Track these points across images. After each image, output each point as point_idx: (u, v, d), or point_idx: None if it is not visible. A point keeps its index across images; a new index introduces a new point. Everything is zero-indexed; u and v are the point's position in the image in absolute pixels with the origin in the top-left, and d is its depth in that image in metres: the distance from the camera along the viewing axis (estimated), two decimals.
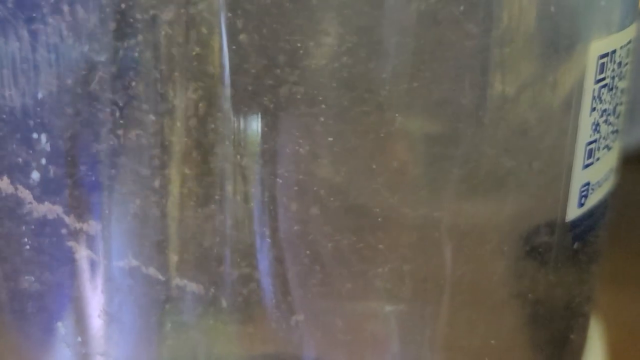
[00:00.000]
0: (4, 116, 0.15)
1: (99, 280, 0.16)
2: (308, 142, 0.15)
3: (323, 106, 0.15)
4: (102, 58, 0.14)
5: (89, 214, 0.15)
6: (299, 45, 0.14)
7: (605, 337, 0.25)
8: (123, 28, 0.14)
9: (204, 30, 0.14)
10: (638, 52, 0.19)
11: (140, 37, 0.14)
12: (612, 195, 0.20)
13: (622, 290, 0.30)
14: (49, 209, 0.16)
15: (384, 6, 0.14)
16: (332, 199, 0.15)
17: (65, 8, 0.14)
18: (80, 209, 0.15)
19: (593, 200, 0.18)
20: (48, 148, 0.15)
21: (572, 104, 0.17)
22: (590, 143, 0.17)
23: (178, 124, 0.15)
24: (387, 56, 0.15)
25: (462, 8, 0.15)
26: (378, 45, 0.14)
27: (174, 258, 0.15)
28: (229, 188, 0.15)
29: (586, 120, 0.17)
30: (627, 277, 0.31)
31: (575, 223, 0.18)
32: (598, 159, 0.18)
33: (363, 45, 0.14)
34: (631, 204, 0.35)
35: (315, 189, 0.15)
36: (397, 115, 0.15)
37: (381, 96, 0.15)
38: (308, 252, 0.15)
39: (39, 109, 0.15)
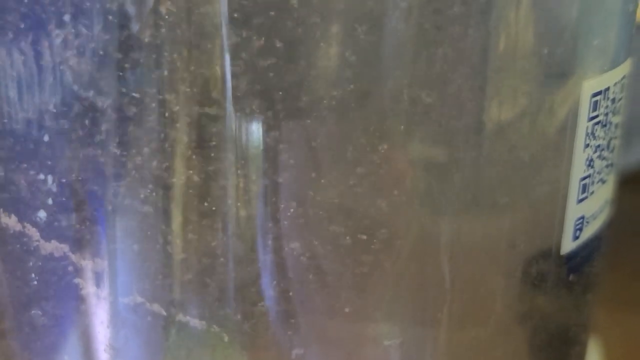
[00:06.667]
0: (12, 156, 0.16)
1: (105, 316, 0.16)
2: (309, 168, 0.15)
3: (324, 128, 0.15)
4: (104, 100, 0.15)
5: (95, 251, 0.16)
6: (301, 69, 0.14)
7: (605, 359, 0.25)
8: (125, 50, 0.14)
9: (206, 47, 0.14)
10: (633, 78, 0.19)
11: (141, 67, 0.14)
12: (609, 224, 0.20)
13: (621, 312, 0.30)
14: (55, 247, 0.16)
15: (383, 30, 0.14)
16: (334, 223, 0.15)
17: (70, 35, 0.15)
18: (86, 247, 0.16)
19: (588, 232, 0.18)
20: (54, 188, 0.16)
21: (566, 140, 0.17)
22: (584, 178, 0.17)
23: (180, 159, 0.15)
24: (387, 80, 0.15)
25: (457, 40, 0.15)
26: (378, 69, 0.15)
27: (177, 295, 0.16)
28: (232, 225, 0.15)
29: (580, 156, 0.17)
30: (626, 298, 0.31)
31: (570, 255, 0.18)
32: (592, 192, 0.18)
33: (363, 70, 0.15)
34: (630, 225, 0.35)
35: (317, 215, 0.15)
36: (397, 139, 0.15)
37: (381, 120, 0.15)
38: (311, 282, 0.16)
39: (45, 150, 0.15)
